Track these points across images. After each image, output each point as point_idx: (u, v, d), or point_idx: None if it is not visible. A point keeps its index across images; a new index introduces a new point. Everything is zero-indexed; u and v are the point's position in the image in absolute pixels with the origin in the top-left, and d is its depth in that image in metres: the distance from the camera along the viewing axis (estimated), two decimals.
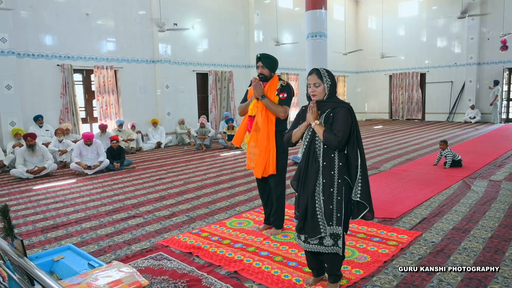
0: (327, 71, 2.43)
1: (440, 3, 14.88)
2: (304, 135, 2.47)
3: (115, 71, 9.64)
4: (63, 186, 6.00)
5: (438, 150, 8.05)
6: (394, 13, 16.27)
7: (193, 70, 11.29)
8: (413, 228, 3.62)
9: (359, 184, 2.30)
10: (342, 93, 16.84)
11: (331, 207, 2.31)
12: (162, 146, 10.09)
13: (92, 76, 9.37)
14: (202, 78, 11.73)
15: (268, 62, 3.40)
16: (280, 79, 3.48)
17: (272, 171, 3.40)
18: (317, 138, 2.37)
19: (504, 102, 14.16)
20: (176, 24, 10.30)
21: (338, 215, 2.31)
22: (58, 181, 6.38)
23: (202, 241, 3.47)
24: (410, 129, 12.91)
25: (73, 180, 6.38)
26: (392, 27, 16.25)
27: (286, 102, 3.37)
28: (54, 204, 4.93)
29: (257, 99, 3.40)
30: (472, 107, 14.17)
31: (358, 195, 2.31)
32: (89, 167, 6.78)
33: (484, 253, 3.00)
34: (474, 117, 14.05)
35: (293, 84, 14.29)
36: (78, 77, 9.33)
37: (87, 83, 9.52)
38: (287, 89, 3.39)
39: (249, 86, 3.58)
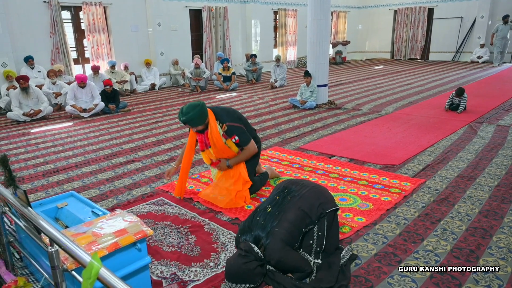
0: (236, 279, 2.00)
1: None
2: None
3: (104, 7, 9.04)
4: (60, 129, 5.89)
5: (442, 92, 7.86)
6: None
7: (186, 6, 10.61)
8: (417, 175, 3.54)
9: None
10: (342, 30, 16.12)
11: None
12: (156, 87, 9.77)
13: (81, 14, 8.80)
14: (196, 15, 11.07)
15: (195, 122, 2.93)
16: (216, 117, 3.00)
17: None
18: None
19: None
20: None
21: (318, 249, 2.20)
22: (54, 124, 6.26)
23: (202, 187, 3.44)
24: (413, 69, 12.44)
25: (70, 123, 6.25)
26: None
27: (244, 141, 3.03)
28: (53, 148, 4.86)
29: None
30: (482, 46, 13.30)
31: None
32: (84, 110, 6.60)
33: (490, 202, 2.94)
34: (481, 57, 13.23)
35: (290, 20, 13.53)
36: (66, 14, 8.76)
37: (76, 22, 8.97)
38: (233, 130, 2.99)
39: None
